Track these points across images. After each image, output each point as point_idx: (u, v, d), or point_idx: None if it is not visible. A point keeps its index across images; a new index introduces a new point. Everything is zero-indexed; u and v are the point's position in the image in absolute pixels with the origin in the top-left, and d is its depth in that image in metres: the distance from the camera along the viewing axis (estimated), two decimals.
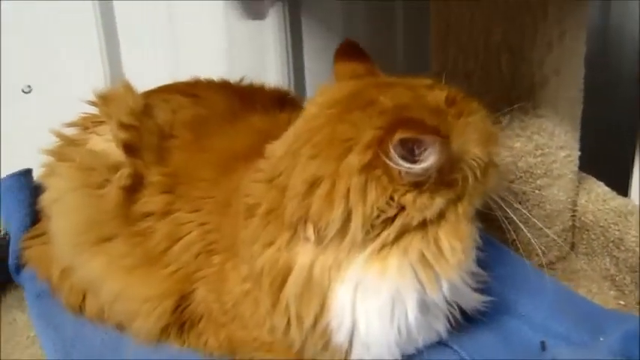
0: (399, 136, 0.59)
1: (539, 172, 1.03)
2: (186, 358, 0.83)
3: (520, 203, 1.04)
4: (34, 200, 1.04)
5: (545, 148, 1.02)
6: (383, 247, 0.66)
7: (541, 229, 1.06)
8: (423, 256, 0.67)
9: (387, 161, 0.61)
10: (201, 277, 0.81)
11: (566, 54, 0.98)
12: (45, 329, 0.93)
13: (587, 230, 1.07)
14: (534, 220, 0.96)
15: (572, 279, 1.04)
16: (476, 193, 0.70)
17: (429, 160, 0.61)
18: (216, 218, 0.81)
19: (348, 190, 0.64)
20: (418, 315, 0.70)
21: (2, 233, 1.09)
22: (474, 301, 0.77)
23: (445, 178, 0.66)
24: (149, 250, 0.84)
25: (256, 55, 1.40)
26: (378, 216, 0.65)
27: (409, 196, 0.64)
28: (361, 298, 0.68)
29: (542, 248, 1.07)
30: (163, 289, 0.82)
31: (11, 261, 1.07)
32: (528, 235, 0.83)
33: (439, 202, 0.66)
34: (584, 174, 1.13)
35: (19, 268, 1.07)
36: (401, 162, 0.61)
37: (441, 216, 0.67)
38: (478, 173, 0.69)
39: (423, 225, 0.66)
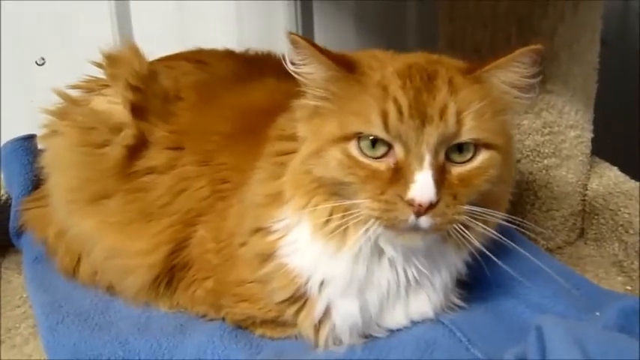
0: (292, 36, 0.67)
1: (547, 151, 0.99)
2: None
3: (527, 183, 1.01)
4: (37, 165, 1.04)
5: (554, 126, 0.98)
6: None
7: (548, 211, 1.03)
8: None
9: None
10: (203, 222, 0.82)
11: (580, 27, 0.94)
12: (36, 291, 0.93)
13: (597, 215, 1.03)
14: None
15: (578, 265, 1.00)
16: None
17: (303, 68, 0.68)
18: (230, 165, 0.82)
19: None
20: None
21: (4, 197, 1.10)
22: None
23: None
24: (147, 205, 0.85)
25: (265, 25, 1.39)
26: None
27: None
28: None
29: (550, 232, 1.04)
30: (159, 240, 0.83)
31: (11, 224, 1.07)
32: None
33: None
34: (597, 158, 1.09)
35: (19, 232, 1.07)
36: (289, 63, 0.68)
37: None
38: None
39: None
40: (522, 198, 1.01)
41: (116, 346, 0.79)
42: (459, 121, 0.64)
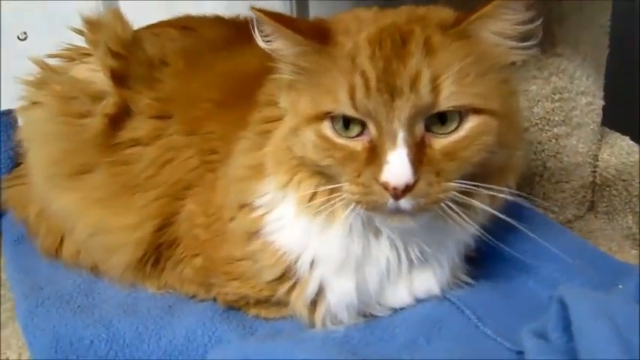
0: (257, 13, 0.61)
1: (557, 119, 0.94)
2: None
3: (535, 153, 0.96)
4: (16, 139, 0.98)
5: (564, 93, 0.93)
6: None
7: (557, 183, 0.98)
8: None
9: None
10: (192, 195, 0.77)
11: None
12: (16, 273, 0.88)
13: (609, 187, 0.98)
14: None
15: (590, 239, 0.95)
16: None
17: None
18: (219, 134, 0.77)
19: None
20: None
21: None
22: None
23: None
24: (132, 178, 0.80)
25: None
26: None
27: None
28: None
29: (559, 204, 0.99)
30: (145, 215, 0.78)
31: None
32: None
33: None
34: (607, 129, 1.04)
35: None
36: (257, 33, 0.63)
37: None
38: None
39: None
40: (530, 169, 0.96)
41: (99, 329, 0.74)
42: (434, 89, 0.57)
